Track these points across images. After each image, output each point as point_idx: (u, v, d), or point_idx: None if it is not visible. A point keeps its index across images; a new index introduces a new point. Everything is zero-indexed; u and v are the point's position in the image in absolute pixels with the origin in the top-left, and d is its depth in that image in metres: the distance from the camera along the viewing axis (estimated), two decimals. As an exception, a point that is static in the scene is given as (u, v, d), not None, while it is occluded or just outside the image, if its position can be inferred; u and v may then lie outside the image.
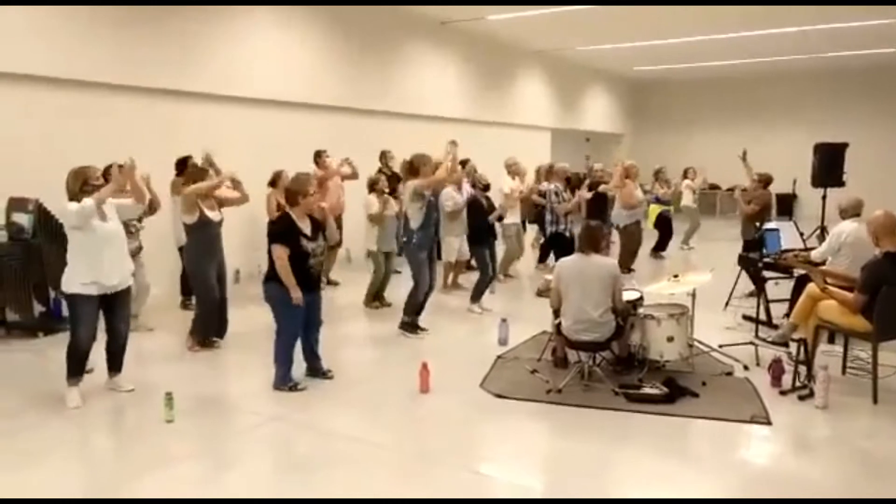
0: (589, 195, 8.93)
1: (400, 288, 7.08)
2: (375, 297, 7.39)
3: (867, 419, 4.46)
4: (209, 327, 5.79)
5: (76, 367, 4.59)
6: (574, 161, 13.05)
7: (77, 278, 4.41)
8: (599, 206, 9.19)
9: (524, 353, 5.70)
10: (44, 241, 6.01)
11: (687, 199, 11.70)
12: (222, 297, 5.85)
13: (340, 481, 3.58)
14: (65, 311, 4.83)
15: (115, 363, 4.82)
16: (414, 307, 6.26)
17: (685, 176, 11.87)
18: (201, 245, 5.66)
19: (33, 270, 6.04)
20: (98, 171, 4.59)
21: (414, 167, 6.13)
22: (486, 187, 7.87)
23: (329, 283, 8.14)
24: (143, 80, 7.31)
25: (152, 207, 6.19)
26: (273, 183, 7.44)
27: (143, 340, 6.02)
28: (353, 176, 8.40)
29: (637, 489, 3.52)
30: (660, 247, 10.91)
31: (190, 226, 5.63)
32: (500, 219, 8.03)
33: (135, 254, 5.74)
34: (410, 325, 6.26)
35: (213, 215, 5.69)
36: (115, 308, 4.65)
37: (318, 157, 8.30)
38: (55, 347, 5.20)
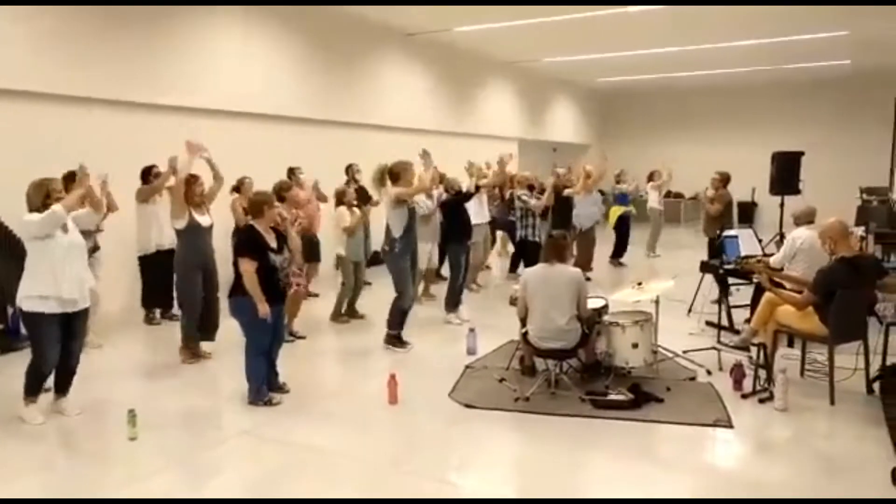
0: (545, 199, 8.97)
1: (372, 300, 7.06)
2: (348, 309, 7.29)
3: (825, 420, 4.59)
4: (194, 333, 5.74)
5: (36, 386, 4.49)
6: (542, 171, 13.17)
7: (35, 291, 4.29)
8: (564, 210, 9.31)
9: (493, 363, 5.74)
10: (0, 257, 5.86)
11: (652, 202, 11.76)
12: (213, 299, 5.78)
13: (309, 493, 3.56)
14: (23, 329, 4.73)
15: (62, 385, 4.64)
16: (399, 319, 6.19)
17: (650, 179, 11.97)
18: (191, 250, 5.62)
19: (-10, 287, 5.89)
20: (59, 183, 4.51)
21: (394, 174, 6.09)
22: (459, 192, 7.61)
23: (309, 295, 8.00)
24: (106, 92, 7.20)
25: (109, 209, 6.11)
26: (237, 189, 7.41)
27: (99, 356, 5.89)
28: (323, 199, 8.30)
29: (606, 494, 3.56)
30: (617, 253, 11.03)
31: (180, 231, 5.59)
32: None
33: (90, 253, 5.63)
34: (397, 338, 6.18)
35: (202, 220, 5.65)
36: (73, 328, 4.52)
37: (292, 173, 8.14)
38: (13, 366, 5.08)
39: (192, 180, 5.62)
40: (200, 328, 5.78)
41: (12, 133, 6.52)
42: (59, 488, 3.70)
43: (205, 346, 5.89)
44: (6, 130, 6.49)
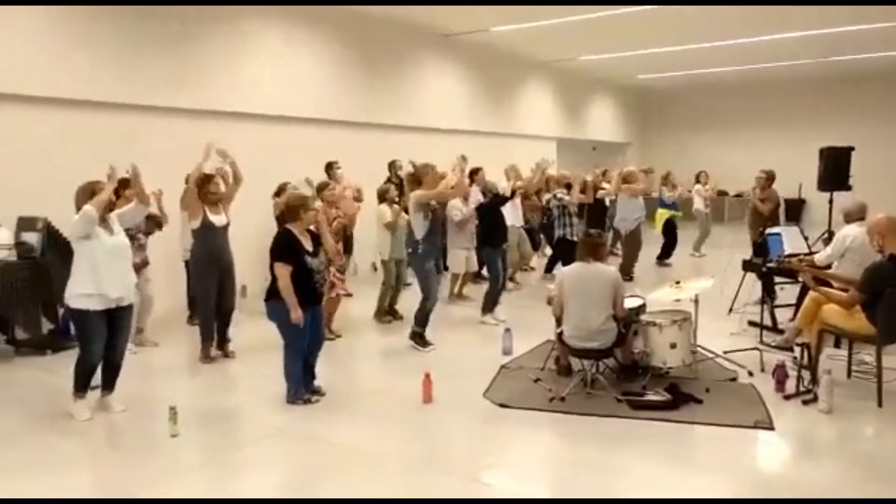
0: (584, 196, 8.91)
1: (411, 301, 7.09)
2: (388, 310, 7.34)
3: (872, 422, 4.43)
4: (209, 333, 5.86)
5: (84, 381, 4.65)
6: (581, 171, 13.06)
7: (80, 289, 4.43)
8: (598, 212, 9.24)
9: (528, 363, 5.71)
10: (52, 258, 6.10)
11: (698, 204, 11.59)
12: (229, 304, 5.89)
13: (343, 491, 3.60)
14: (73, 328, 4.90)
15: (109, 381, 4.78)
16: (425, 317, 6.25)
17: (697, 180, 11.77)
18: (204, 249, 5.74)
19: (41, 288, 6.12)
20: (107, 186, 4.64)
21: (416, 177, 6.18)
22: (496, 196, 7.57)
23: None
24: (150, 98, 7.42)
25: (159, 223, 6.31)
26: (278, 194, 7.54)
27: (150, 355, 6.10)
28: (359, 199, 8.40)
29: (641, 495, 3.51)
30: (665, 254, 10.87)
31: (195, 230, 5.72)
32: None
33: (141, 267, 5.82)
34: (421, 336, 6.24)
35: (216, 219, 5.75)
36: (118, 324, 4.66)
37: (329, 168, 8.29)
38: (63, 364, 5.26)
39: (206, 180, 5.71)
40: (209, 332, 5.86)
41: (63, 139, 6.78)
42: (100, 483, 3.83)
43: (231, 344, 6.04)
44: (57, 139, 6.74)
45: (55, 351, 6.12)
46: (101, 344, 4.57)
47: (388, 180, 8.91)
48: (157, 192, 4.98)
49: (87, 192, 4.48)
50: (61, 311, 6.18)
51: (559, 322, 5.10)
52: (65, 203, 4.59)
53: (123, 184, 5.07)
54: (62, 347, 6.10)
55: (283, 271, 4.62)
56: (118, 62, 7.12)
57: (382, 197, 7.31)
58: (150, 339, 6.37)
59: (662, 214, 10.94)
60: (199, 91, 7.90)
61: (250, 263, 7.50)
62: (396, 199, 7.26)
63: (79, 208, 4.46)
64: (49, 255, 6.12)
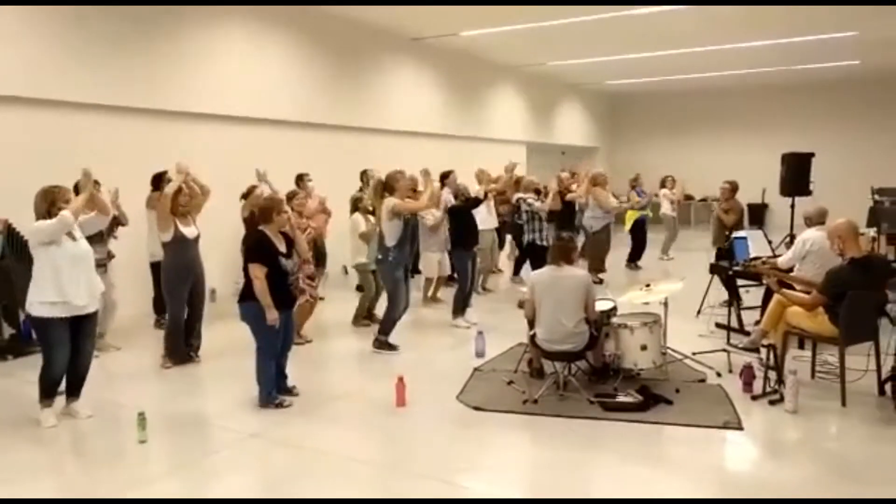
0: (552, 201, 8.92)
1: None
2: (367, 314, 7.30)
3: (836, 421, 4.55)
4: (178, 344, 5.76)
5: (49, 389, 4.53)
6: (550, 174, 13.16)
7: (42, 297, 4.32)
8: (567, 214, 9.34)
9: (501, 365, 5.73)
10: (13, 262, 5.93)
11: (665, 208, 11.85)
12: (197, 314, 5.81)
13: (318, 495, 3.57)
14: (34, 335, 4.77)
15: (74, 388, 4.68)
16: (388, 325, 6.26)
17: (663, 185, 12.01)
18: (177, 262, 5.65)
19: (2, 292, 5.95)
20: (68, 191, 4.52)
21: (389, 186, 6.16)
22: (468, 199, 7.59)
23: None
24: (115, 98, 7.28)
25: (118, 222, 6.19)
26: (246, 196, 7.45)
27: (114, 360, 5.97)
28: (326, 213, 8.32)
29: (614, 495, 3.55)
30: (634, 256, 11.03)
31: (166, 243, 5.62)
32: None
33: (104, 262, 5.69)
34: (386, 343, 6.24)
35: (187, 231, 5.67)
36: (83, 331, 4.55)
37: (300, 180, 8.18)
38: (26, 370, 5.12)
39: (177, 193, 5.61)
40: (179, 343, 5.77)
41: (20, 140, 6.60)
42: (67, 490, 3.72)
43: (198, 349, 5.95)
44: (15, 137, 6.56)
45: (16, 356, 5.95)
46: (66, 350, 4.46)
47: (361, 190, 8.86)
48: (111, 191, 4.88)
49: (48, 199, 4.36)
50: (22, 315, 6.02)
51: (531, 325, 5.13)
52: (24, 205, 4.47)
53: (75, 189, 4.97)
54: (24, 353, 5.94)
55: (259, 272, 4.59)
56: (85, 61, 6.97)
57: (356, 205, 7.27)
58: (111, 344, 6.24)
59: (631, 215, 11.11)
60: (164, 91, 7.76)
61: (219, 267, 7.41)
62: (370, 209, 7.23)
63: (38, 214, 4.36)
64: (10, 258, 5.95)
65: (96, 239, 5.19)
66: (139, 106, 7.51)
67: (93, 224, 4.77)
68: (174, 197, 5.58)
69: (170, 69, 7.79)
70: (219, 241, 7.36)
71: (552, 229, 8.58)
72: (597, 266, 9.46)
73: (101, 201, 4.73)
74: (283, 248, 4.80)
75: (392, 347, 6.23)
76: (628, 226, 11.13)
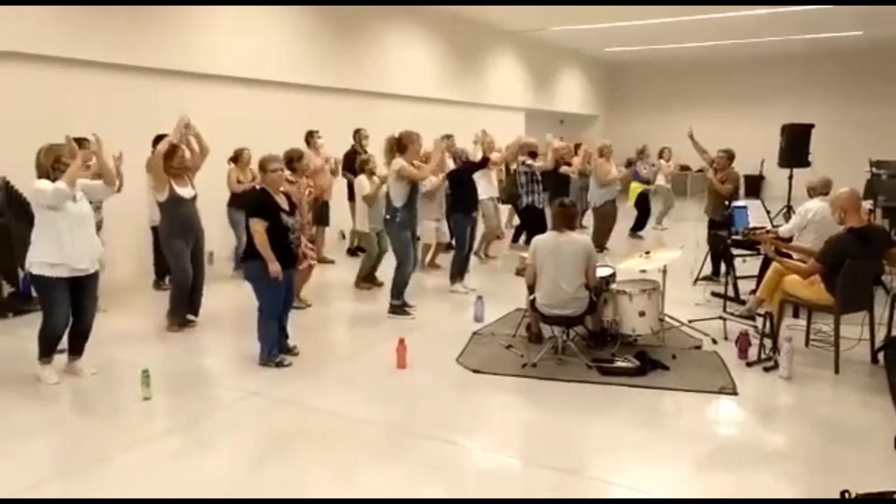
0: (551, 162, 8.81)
1: (390, 268, 7.11)
2: (367, 277, 7.33)
3: (829, 388, 4.63)
4: (182, 305, 5.76)
5: (49, 347, 4.55)
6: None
7: (43, 258, 4.33)
8: (561, 186, 9.31)
9: (499, 330, 5.78)
10: (11, 220, 5.90)
11: (661, 179, 11.86)
12: (198, 275, 5.80)
13: (319, 454, 3.63)
14: (34, 293, 4.77)
15: (77, 346, 4.69)
16: (400, 288, 6.24)
17: (661, 156, 12.03)
18: (174, 223, 5.60)
19: (1, 250, 5.93)
20: (75, 149, 4.42)
21: (402, 144, 6.07)
22: (466, 162, 7.60)
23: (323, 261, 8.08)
24: (116, 56, 7.18)
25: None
26: (235, 159, 7.42)
27: (116, 320, 5.97)
28: (333, 173, 8.34)
29: (611, 458, 3.62)
30: (638, 226, 11.08)
31: (162, 203, 5.57)
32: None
33: (97, 229, 5.66)
34: (400, 307, 6.24)
35: (183, 192, 5.60)
36: (84, 289, 4.55)
37: (310, 137, 8.16)
38: (26, 328, 5.13)
39: (171, 151, 5.49)
40: (183, 303, 5.74)
41: (20, 98, 6.51)
42: (71, 448, 3.77)
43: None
44: (15, 95, 6.47)
45: (16, 314, 5.97)
46: (65, 309, 4.47)
47: (352, 148, 8.84)
48: (116, 156, 4.83)
49: (52, 155, 4.33)
50: (22, 273, 6.02)
51: (531, 290, 5.16)
52: (25, 161, 4.43)
53: (79, 143, 4.89)
54: (24, 311, 5.95)
55: (259, 227, 4.64)
56: (86, 18, 6.85)
57: (361, 167, 7.23)
58: (99, 306, 6.11)
59: (636, 188, 11.13)
60: (163, 50, 7.65)
61: (217, 230, 7.39)
62: (375, 171, 7.19)
63: (41, 170, 4.32)
64: (8, 216, 5.92)
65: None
66: (140, 64, 7.41)
67: (97, 191, 4.72)
68: (166, 157, 5.48)
69: (168, 28, 7.67)
70: (218, 202, 7.33)
71: (547, 195, 8.57)
72: (601, 240, 9.39)
73: (108, 172, 4.65)
74: (285, 205, 4.85)
75: (406, 312, 6.23)
76: (632, 199, 11.15)
